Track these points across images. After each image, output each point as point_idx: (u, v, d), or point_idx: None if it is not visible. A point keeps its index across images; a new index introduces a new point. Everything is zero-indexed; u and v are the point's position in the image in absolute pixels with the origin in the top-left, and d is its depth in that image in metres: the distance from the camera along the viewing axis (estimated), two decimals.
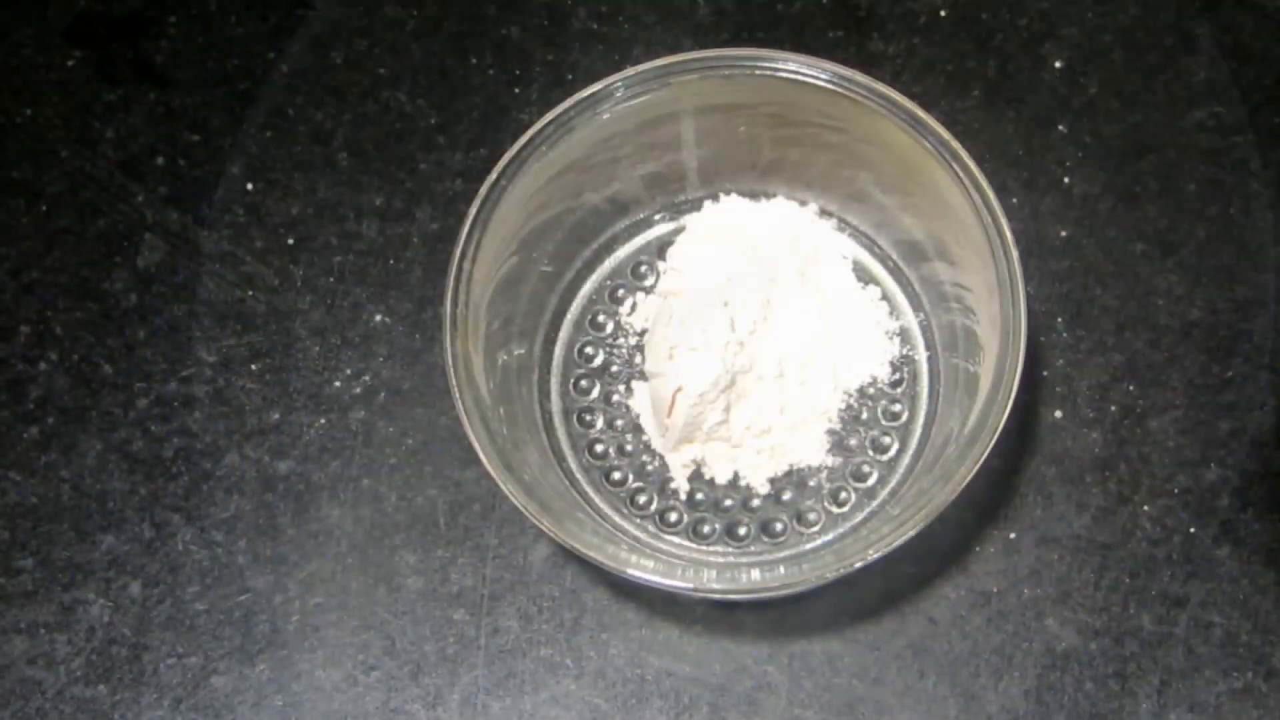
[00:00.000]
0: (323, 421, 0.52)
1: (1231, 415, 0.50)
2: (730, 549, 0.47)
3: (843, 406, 0.48)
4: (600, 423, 0.49)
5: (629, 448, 0.48)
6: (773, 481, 0.47)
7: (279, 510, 0.50)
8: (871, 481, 0.47)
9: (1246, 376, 0.51)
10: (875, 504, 0.47)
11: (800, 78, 0.44)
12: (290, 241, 0.55)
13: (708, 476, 0.47)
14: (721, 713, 0.47)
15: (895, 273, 0.50)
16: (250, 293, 0.54)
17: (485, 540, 0.50)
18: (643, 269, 0.51)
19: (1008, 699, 0.47)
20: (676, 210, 0.51)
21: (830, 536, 0.46)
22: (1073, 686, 0.47)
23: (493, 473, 0.41)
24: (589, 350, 0.50)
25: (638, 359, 0.49)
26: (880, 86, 0.44)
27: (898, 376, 0.48)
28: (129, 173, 0.56)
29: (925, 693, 0.47)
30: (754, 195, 0.50)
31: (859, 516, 0.47)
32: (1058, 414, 0.50)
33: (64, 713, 0.49)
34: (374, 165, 0.56)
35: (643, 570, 0.39)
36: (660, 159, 0.49)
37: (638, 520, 0.47)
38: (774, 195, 0.50)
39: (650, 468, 0.48)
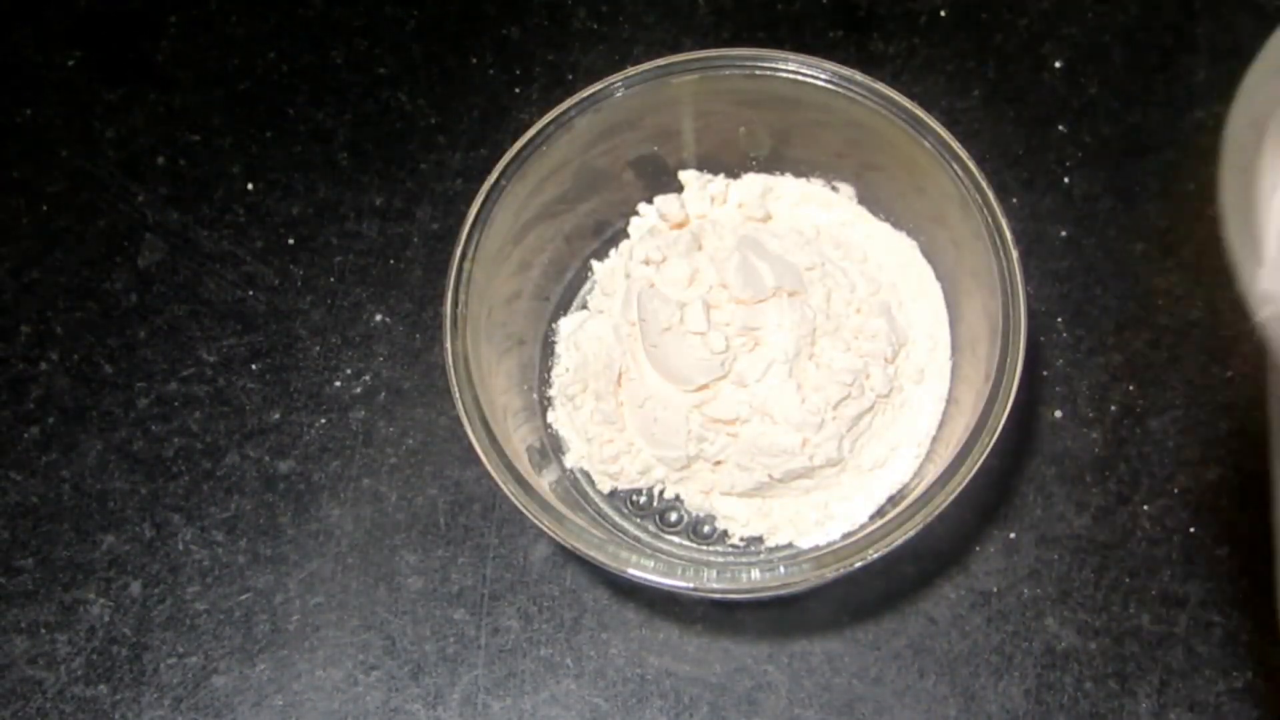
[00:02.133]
0: (323, 421, 0.52)
1: (1231, 415, 0.50)
2: (730, 549, 0.47)
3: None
4: None
5: None
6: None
7: (279, 510, 0.50)
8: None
9: (1246, 376, 0.51)
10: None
11: (800, 78, 0.44)
12: (290, 241, 0.55)
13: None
14: (721, 712, 0.47)
15: None
16: (250, 293, 0.54)
17: (485, 540, 0.50)
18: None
19: (1008, 699, 0.47)
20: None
21: None
22: (1072, 686, 0.47)
23: (492, 473, 0.41)
24: None
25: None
26: (880, 86, 0.44)
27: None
28: (129, 173, 0.56)
29: (925, 693, 0.47)
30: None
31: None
32: (1058, 414, 0.50)
33: (64, 712, 0.49)
34: (374, 165, 0.56)
35: (643, 570, 0.39)
36: (660, 158, 0.49)
37: (638, 520, 0.47)
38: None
39: None
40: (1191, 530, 0.49)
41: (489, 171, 0.44)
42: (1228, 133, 0.30)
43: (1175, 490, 0.49)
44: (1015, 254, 0.41)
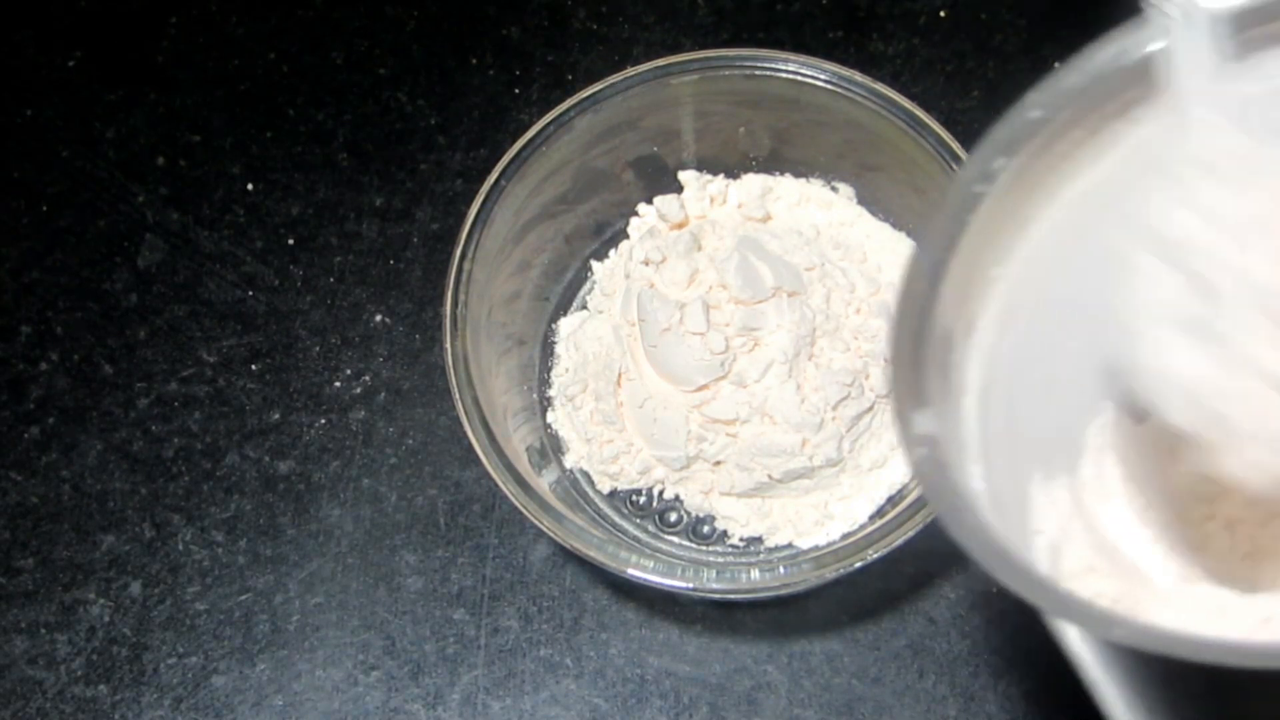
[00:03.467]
0: (323, 421, 0.52)
1: None
2: (730, 549, 0.47)
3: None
4: None
5: None
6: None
7: (279, 510, 0.50)
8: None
9: None
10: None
11: (800, 78, 0.44)
12: (290, 241, 0.55)
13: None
14: (721, 713, 0.47)
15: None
16: (250, 293, 0.54)
17: (485, 540, 0.50)
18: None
19: (1007, 699, 0.47)
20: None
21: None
22: (1073, 686, 0.47)
23: (492, 473, 0.41)
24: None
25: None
26: (880, 87, 0.44)
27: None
28: (129, 173, 0.56)
29: (925, 693, 0.47)
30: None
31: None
32: None
33: (64, 713, 0.49)
34: (374, 165, 0.56)
35: (643, 570, 0.40)
36: (660, 158, 0.49)
37: (638, 520, 0.47)
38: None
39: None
40: None
41: (489, 171, 0.44)
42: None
43: None
44: None
